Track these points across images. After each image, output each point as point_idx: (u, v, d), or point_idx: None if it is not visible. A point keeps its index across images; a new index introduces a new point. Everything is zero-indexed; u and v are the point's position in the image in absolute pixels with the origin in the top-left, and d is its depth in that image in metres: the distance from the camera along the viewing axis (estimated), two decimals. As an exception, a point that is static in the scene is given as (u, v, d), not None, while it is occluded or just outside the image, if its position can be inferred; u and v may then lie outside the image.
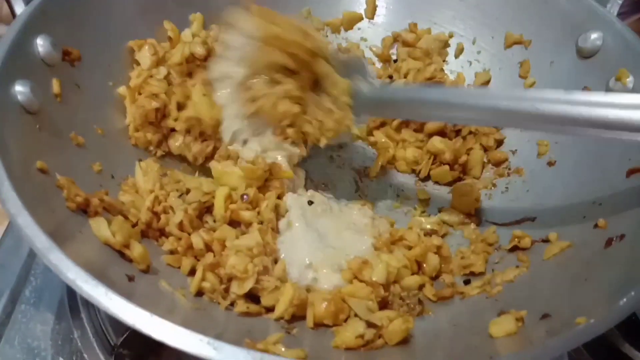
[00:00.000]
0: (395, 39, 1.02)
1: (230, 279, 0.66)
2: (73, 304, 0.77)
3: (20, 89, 0.63)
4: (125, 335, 0.70)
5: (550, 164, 0.84)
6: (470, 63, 0.98)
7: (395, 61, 1.03)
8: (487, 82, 0.96)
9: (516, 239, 0.76)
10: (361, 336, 0.60)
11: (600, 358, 0.79)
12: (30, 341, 0.75)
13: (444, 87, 0.90)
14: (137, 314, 0.46)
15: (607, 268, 0.62)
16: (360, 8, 1.03)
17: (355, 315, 0.65)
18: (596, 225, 0.69)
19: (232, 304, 0.66)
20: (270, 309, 0.66)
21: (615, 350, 0.78)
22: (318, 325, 0.65)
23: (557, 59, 0.88)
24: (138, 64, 0.83)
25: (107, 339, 0.74)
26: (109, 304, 0.47)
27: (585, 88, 0.82)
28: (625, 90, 0.76)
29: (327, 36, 1.03)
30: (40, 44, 0.69)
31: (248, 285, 0.65)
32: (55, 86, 0.70)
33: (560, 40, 0.87)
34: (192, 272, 0.68)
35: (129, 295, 0.51)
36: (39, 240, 0.49)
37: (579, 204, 0.75)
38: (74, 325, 0.76)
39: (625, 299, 0.52)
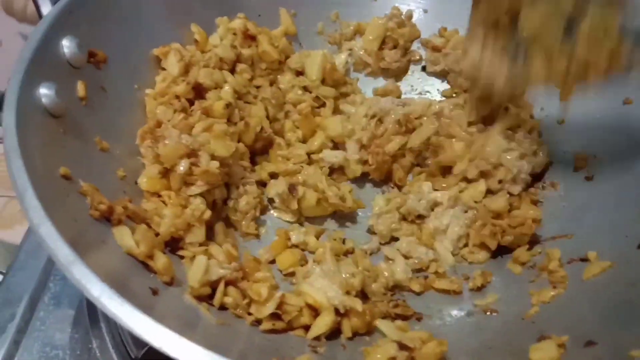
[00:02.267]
0: (424, 45, 1.00)
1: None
2: (92, 312, 0.75)
3: (45, 92, 0.62)
4: (146, 348, 0.67)
5: (587, 178, 0.80)
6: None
7: (424, 68, 1.00)
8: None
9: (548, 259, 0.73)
10: (393, 358, 0.57)
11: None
12: (49, 350, 0.73)
13: None
14: (164, 334, 0.44)
15: (655, 292, 0.59)
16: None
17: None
18: (640, 246, 0.66)
19: (258, 320, 0.63)
20: (296, 327, 0.64)
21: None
22: (354, 335, 0.64)
23: (596, 69, 0.84)
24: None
25: (127, 350, 0.72)
26: (134, 323, 0.44)
27: (627, 100, 0.79)
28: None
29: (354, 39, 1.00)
30: (66, 45, 0.67)
31: (267, 310, 0.63)
32: (81, 89, 0.69)
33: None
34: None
35: (152, 311, 0.49)
36: (62, 253, 0.47)
37: (620, 221, 0.72)
38: (93, 334, 0.74)
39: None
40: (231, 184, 0.78)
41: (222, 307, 0.64)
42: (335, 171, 0.87)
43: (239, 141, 0.80)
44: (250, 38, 0.88)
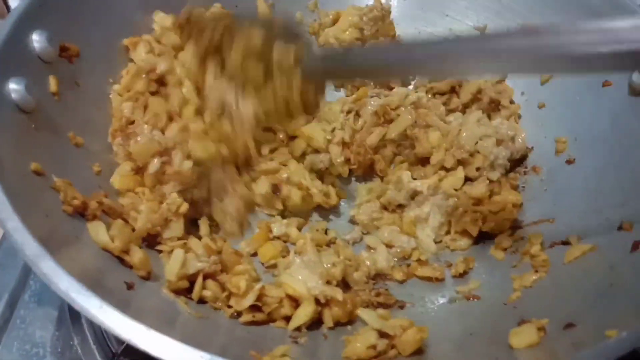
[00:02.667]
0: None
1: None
2: (73, 309, 0.74)
3: (14, 87, 0.60)
4: (125, 343, 0.67)
5: (569, 162, 0.80)
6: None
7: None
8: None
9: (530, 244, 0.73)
10: (373, 347, 0.57)
11: None
12: (29, 347, 0.72)
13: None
14: (133, 328, 0.43)
15: (634, 273, 0.59)
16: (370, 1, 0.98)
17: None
18: (620, 228, 0.65)
19: (238, 313, 0.63)
20: (277, 319, 0.63)
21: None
22: (336, 325, 0.64)
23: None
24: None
25: (109, 345, 0.71)
26: (104, 317, 0.44)
27: (606, 82, 0.78)
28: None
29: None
30: (36, 39, 0.66)
31: (247, 302, 0.62)
32: (53, 84, 0.67)
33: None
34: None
35: (126, 305, 0.49)
36: (29, 247, 0.46)
37: (601, 204, 0.71)
38: (74, 331, 0.73)
39: (657, 309, 0.48)
40: (212, 187, 0.76)
41: (201, 301, 0.63)
42: (321, 172, 0.85)
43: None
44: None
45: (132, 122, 0.73)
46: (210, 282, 0.63)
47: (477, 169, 0.79)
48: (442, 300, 0.70)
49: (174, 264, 0.62)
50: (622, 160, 0.72)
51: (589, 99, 0.80)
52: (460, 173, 0.79)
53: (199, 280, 0.63)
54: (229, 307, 0.63)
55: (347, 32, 0.92)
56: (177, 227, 0.68)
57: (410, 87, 0.92)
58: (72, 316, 0.74)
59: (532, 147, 0.85)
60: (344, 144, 0.84)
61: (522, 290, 0.67)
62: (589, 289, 0.61)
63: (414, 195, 0.79)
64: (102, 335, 0.72)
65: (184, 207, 0.68)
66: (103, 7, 0.77)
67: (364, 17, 0.93)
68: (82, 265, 0.53)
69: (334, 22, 0.97)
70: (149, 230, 0.65)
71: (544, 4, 0.87)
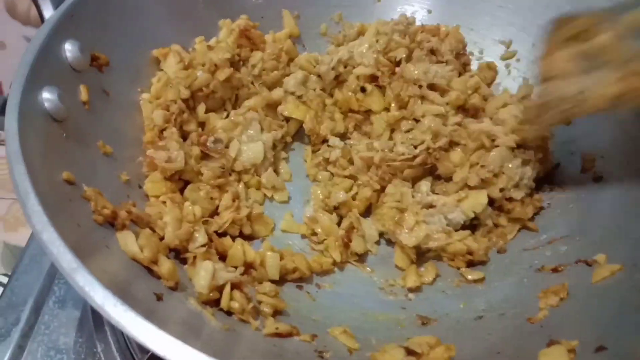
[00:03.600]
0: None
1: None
2: (97, 316, 0.75)
3: (47, 96, 0.61)
4: (150, 353, 0.67)
5: (595, 179, 0.79)
6: (509, 71, 0.94)
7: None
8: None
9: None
10: (400, 364, 0.57)
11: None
12: (53, 354, 0.73)
13: None
14: (167, 342, 0.44)
15: (664, 296, 0.58)
16: (395, 15, 0.98)
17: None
18: (649, 248, 0.65)
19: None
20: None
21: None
22: None
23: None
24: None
25: (132, 354, 0.71)
26: (137, 331, 0.44)
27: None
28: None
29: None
30: (69, 49, 0.67)
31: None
32: (83, 93, 0.68)
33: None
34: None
35: (155, 316, 0.49)
36: (65, 259, 0.47)
37: (629, 223, 0.70)
38: (97, 338, 0.74)
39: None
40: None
41: (228, 312, 0.63)
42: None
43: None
44: (247, 38, 0.87)
45: (164, 130, 0.74)
46: (236, 293, 0.63)
47: (501, 190, 0.78)
48: (466, 317, 0.70)
49: (204, 276, 0.62)
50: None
51: (616, 114, 0.79)
52: (483, 197, 0.77)
53: (227, 289, 0.63)
54: (255, 319, 0.63)
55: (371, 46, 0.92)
56: (201, 237, 0.68)
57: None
58: (95, 323, 0.75)
59: (559, 164, 0.85)
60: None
61: (549, 309, 0.66)
62: (618, 310, 0.60)
63: (427, 206, 0.79)
64: (125, 344, 0.72)
65: (198, 210, 0.68)
66: (132, 17, 0.78)
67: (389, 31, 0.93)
68: (113, 275, 0.53)
69: (359, 34, 0.97)
70: (176, 246, 0.66)
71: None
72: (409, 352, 0.58)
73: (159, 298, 0.56)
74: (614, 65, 0.66)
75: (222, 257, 0.70)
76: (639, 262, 0.65)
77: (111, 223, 0.61)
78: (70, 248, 0.48)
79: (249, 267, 0.70)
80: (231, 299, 0.63)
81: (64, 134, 0.63)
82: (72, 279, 0.46)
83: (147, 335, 0.44)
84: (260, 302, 0.67)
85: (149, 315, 0.48)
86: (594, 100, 0.67)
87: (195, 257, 0.65)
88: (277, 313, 0.67)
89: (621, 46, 0.66)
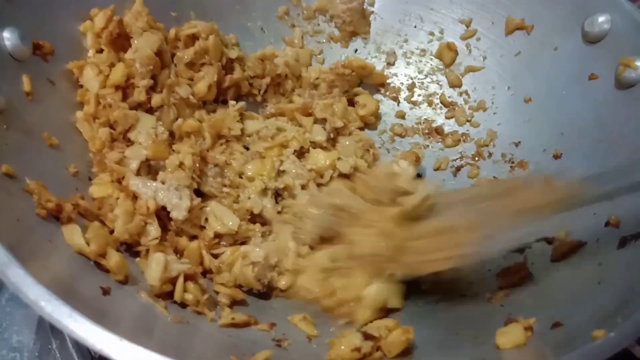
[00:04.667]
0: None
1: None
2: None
3: (-17, 87, 0.58)
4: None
5: (556, 156, 0.79)
6: (470, 50, 0.93)
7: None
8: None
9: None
10: (358, 349, 0.56)
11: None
12: (6, 352, 0.71)
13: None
14: (105, 338, 0.42)
15: (622, 271, 0.58)
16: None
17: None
18: (608, 223, 0.65)
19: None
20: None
21: (627, 353, 0.74)
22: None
23: (561, 45, 0.82)
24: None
25: (88, 349, 0.69)
26: (74, 326, 0.42)
27: (592, 75, 0.77)
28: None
29: (318, 25, 0.97)
30: (7, 37, 0.64)
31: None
32: (26, 83, 0.65)
33: (565, 24, 0.81)
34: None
35: (101, 313, 0.48)
36: (-5, 254, 0.44)
37: (589, 199, 0.70)
38: (53, 335, 0.71)
39: (647, 309, 0.47)
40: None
41: (182, 304, 0.62)
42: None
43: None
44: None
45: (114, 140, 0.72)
46: (190, 285, 0.62)
47: None
48: (428, 300, 0.69)
49: (155, 268, 0.60)
50: (608, 154, 0.72)
51: (575, 92, 0.79)
52: None
53: (180, 281, 0.61)
54: (211, 310, 0.62)
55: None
56: (154, 230, 0.66)
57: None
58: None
59: (520, 142, 0.84)
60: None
61: (510, 289, 0.66)
62: (576, 286, 0.60)
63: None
64: (81, 340, 0.70)
65: (152, 203, 0.66)
66: (78, 3, 0.75)
67: (343, 5, 0.92)
68: (55, 271, 0.51)
69: (315, 11, 0.96)
70: (127, 240, 0.63)
71: (529, -2, 0.86)
72: (367, 336, 0.57)
73: (106, 292, 0.54)
74: None
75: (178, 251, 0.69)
76: (597, 237, 0.65)
77: (56, 217, 0.59)
78: (4, 243, 0.45)
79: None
80: (185, 290, 0.61)
81: (5, 126, 0.60)
82: (4, 274, 0.44)
83: (84, 331, 0.42)
84: (217, 293, 0.65)
85: (97, 311, 0.46)
86: None
87: (147, 250, 0.63)
88: (235, 303, 0.66)
89: None
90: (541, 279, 0.65)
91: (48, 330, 0.72)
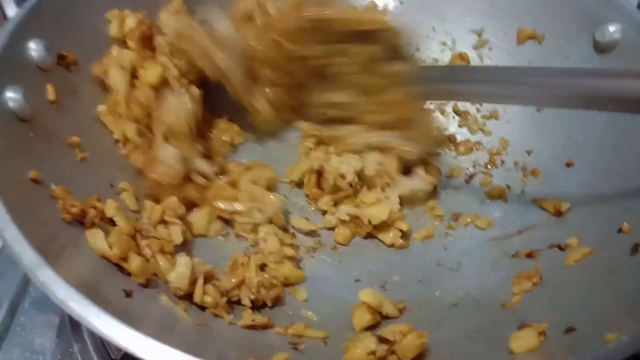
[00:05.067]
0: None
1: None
2: (73, 316, 0.75)
3: (11, 96, 0.60)
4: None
5: (568, 164, 0.80)
6: (482, 60, 0.94)
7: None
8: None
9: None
10: (373, 353, 0.57)
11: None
12: (29, 355, 0.73)
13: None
14: (131, 336, 0.43)
15: (633, 276, 0.58)
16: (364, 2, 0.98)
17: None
18: (620, 230, 0.65)
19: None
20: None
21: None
22: None
23: (572, 55, 0.83)
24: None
25: (108, 352, 0.71)
26: (101, 325, 0.44)
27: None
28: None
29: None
30: (33, 48, 0.66)
31: None
32: (51, 92, 0.67)
33: (576, 34, 0.82)
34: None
35: (125, 314, 0.49)
36: (27, 256, 0.46)
37: (601, 207, 0.71)
38: (74, 338, 0.73)
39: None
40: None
41: (201, 307, 0.63)
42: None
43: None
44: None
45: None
46: (209, 287, 0.63)
47: None
48: (441, 305, 0.70)
49: (183, 270, 0.62)
50: (621, 162, 0.72)
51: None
52: None
53: (200, 282, 0.63)
54: (229, 313, 0.63)
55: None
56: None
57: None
58: (72, 323, 0.74)
59: (532, 151, 0.85)
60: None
61: (523, 294, 0.66)
62: (588, 292, 0.61)
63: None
64: (101, 342, 0.72)
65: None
66: (100, 14, 0.77)
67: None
68: (81, 273, 0.53)
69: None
70: None
71: (540, 7, 0.87)
72: (382, 340, 0.58)
73: (128, 295, 0.56)
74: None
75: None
76: (609, 243, 0.65)
77: (81, 222, 0.61)
78: (33, 245, 0.47)
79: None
80: (204, 293, 0.62)
81: (31, 134, 0.63)
82: (34, 275, 0.45)
83: (112, 330, 0.44)
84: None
85: (120, 312, 0.48)
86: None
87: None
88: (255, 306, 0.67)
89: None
90: (554, 285, 0.66)
91: (69, 334, 0.74)
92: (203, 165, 0.76)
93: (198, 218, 0.74)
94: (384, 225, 0.79)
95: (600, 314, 0.55)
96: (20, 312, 0.77)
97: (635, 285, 0.57)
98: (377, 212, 0.77)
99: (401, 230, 0.79)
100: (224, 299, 0.63)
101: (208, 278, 0.64)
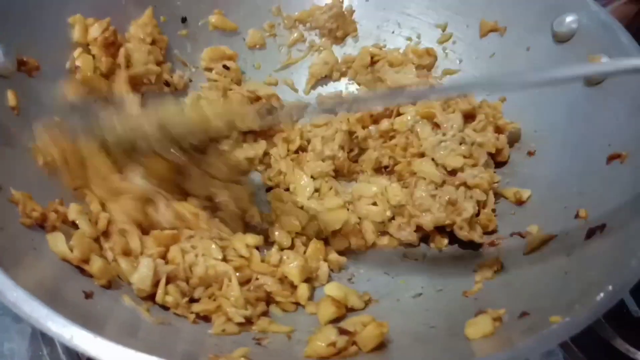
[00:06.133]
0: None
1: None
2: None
3: (-32, 102, 0.61)
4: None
5: (530, 153, 0.81)
6: (446, 54, 0.95)
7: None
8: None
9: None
10: (333, 344, 0.57)
11: (592, 353, 0.76)
12: (-3, 360, 0.73)
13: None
14: (84, 337, 0.44)
15: (587, 261, 0.60)
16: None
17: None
18: (577, 215, 0.67)
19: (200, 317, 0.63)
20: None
21: (607, 345, 0.75)
22: None
23: (533, 45, 0.84)
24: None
25: (78, 356, 0.72)
26: (54, 327, 0.44)
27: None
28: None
29: (302, 35, 1.00)
30: (-8, 54, 0.66)
31: None
32: (11, 98, 0.67)
33: (536, 25, 0.84)
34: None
35: (85, 316, 0.50)
36: (-22, 261, 0.47)
37: (560, 193, 0.73)
38: (44, 342, 0.73)
39: (602, 294, 0.49)
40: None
41: (164, 307, 0.63)
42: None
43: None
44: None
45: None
46: (171, 287, 0.64)
47: None
48: (406, 295, 0.71)
49: (145, 272, 0.62)
50: (578, 150, 0.74)
51: (546, 90, 0.81)
52: None
53: (162, 283, 0.63)
54: (191, 313, 0.63)
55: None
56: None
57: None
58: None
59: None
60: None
61: (484, 282, 0.67)
62: (546, 277, 0.62)
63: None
64: (71, 345, 0.72)
65: None
66: (59, 18, 0.77)
67: (324, 15, 0.95)
68: (39, 276, 0.53)
69: (295, 21, 0.99)
70: None
71: (501, 0, 0.88)
72: (342, 331, 0.59)
73: (88, 296, 0.56)
74: None
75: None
76: (567, 229, 0.67)
77: (41, 226, 0.61)
78: (-14, 251, 0.48)
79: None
80: (166, 293, 0.63)
81: (-10, 139, 0.63)
82: (-16, 280, 0.46)
83: (61, 331, 0.44)
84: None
85: (81, 314, 0.48)
86: None
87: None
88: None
89: None
90: (513, 272, 0.67)
91: (39, 338, 0.74)
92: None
93: None
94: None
95: (554, 298, 0.57)
96: (-13, 317, 0.77)
97: (588, 269, 0.58)
98: None
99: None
100: (185, 299, 0.63)
101: (170, 279, 0.64)
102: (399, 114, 0.85)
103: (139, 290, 0.62)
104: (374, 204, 0.80)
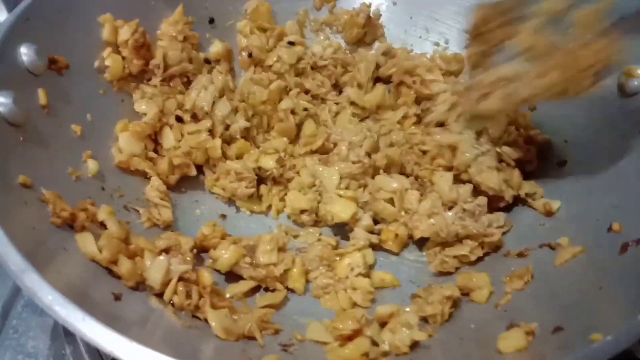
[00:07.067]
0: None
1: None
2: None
3: (1, 100, 0.61)
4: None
5: (560, 163, 0.80)
6: (475, 60, 0.94)
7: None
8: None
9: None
10: (366, 354, 0.57)
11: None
12: (22, 358, 0.73)
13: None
14: (116, 340, 0.44)
15: (623, 276, 0.58)
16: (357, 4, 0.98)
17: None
18: (610, 229, 0.65)
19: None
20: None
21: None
22: None
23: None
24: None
25: (100, 355, 0.71)
26: (86, 329, 0.44)
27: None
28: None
29: (328, 38, 0.99)
30: (25, 52, 0.67)
31: None
32: (42, 97, 0.68)
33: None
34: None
35: (114, 317, 0.49)
36: (13, 261, 0.47)
37: (592, 206, 0.71)
38: (67, 341, 0.73)
39: (643, 313, 0.48)
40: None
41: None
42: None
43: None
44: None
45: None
46: (179, 287, 0.63)
47: None
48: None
49: (157, 271, 0.62)
50: (612, 162, 0.72)
51: (580, 100, 0.79)
52: None
53: (173, 282, 0.63)
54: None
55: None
56: None
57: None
58: (64, 326, 0.74)
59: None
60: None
61: (513, 294, 0.66)
62: (578, 291, 0.61)
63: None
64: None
65: None
66: (89, 18, 0.77)
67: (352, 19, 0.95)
68: (69, 277, 0.53)
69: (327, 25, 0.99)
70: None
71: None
72: (374, 342, 0.58)
73: (117, 298, 0.56)
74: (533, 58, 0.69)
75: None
76: (599, 242, 0.65)
77: (71, 226, 0.61)
78: (20, 250, 0.48)
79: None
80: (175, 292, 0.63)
81: (21, 138, 0.63)
82: (20, 280, 0.46)
83: (97, 333, 0.44)
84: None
85: (109, 316, 0.48)
86: (525, 90, 0.69)
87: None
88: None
89: (538, 39, 0.68)
90: (544, 284, 0.66)
91: (62, 337, 0.74)
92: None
93: None
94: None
95: (589, 313, 0.56)
96: (13, 315, 0.77)
97: (624, 284, 0.57)
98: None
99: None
100: (188, 301, 0.62)
101: (182, 279, 0.64)
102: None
103: (150, 288, 0.62)
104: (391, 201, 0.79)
